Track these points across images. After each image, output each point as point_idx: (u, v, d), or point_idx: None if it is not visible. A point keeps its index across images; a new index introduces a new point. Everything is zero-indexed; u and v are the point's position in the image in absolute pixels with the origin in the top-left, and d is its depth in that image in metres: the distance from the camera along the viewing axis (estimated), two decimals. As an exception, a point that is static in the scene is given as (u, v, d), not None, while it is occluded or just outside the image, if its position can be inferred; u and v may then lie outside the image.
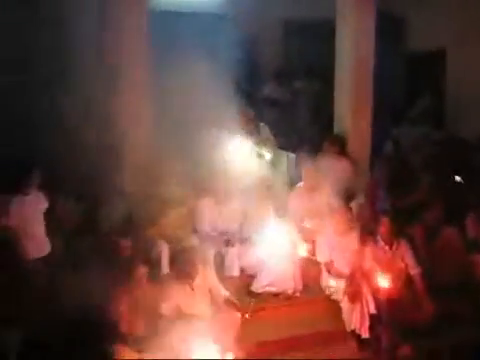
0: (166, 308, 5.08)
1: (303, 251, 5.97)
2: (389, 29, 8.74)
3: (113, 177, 5.94)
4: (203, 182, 6.30)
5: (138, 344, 4.80)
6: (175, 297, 5.17)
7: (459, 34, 9.15)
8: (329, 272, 5.93)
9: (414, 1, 9.63)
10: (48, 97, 6.07)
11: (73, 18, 6.57)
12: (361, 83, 7.61)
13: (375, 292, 5.60)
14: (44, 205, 5.37)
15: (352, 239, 5.99)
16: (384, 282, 5.48)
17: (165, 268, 5.69)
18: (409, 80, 10.34)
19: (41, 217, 5.34)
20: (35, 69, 6.54)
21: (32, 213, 5.25)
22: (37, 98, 6.23)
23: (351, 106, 7.63)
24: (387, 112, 8.84)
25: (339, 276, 5.82)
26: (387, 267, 5.74)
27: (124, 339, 4.80)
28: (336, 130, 7.72)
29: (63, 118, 5.76)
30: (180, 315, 5.11)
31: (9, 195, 5.19)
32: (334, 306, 5.86)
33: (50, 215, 5.43)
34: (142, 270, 5.03)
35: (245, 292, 5.90)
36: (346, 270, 5.84)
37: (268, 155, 6.89)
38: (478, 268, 5.97)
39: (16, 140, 5.90)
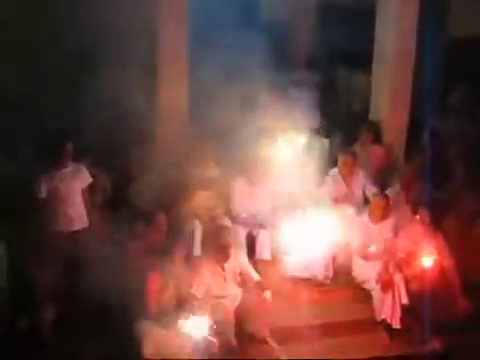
0: (197, 289, 5.05)
1: (338, 235, 5.85)
2: (430, 14, 8.47)
3: (146, 152, 5.98)
4: (237, 163, 6.22)
5: (166, 321, 4.79)
6: (206, 278, 5.14)
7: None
8: (363, 258, 5.81)
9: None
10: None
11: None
12: (401, 72, 7.42)
13: (408, 282, 5.49)
14: (86, 180, 5.38)
15: (387, 227, 5.89)
16: (428, 261, 5.34)
17: (197, 248, 5.65)
18: (450, 68, 10.05)
19: (79, 190, 5.33)
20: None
21: (71, 187, 5.26)
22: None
23: (390, 95, 7.44)
24: (426, 101, 8.61)
25: (372, 261, 5.69)
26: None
27: (154, 318, 4.79)
28: (373, 118, 7.54)
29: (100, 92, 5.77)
30: (210, 296, 5.09)
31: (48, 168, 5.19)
32: (365, 294, 5.77)
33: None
34: (181, 249, 5.00)
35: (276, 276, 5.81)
36: (379, 257, 5.72)
37: (303, 139, 6.76)
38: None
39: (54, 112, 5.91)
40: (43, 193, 5.13)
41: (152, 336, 4.66)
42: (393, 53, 7.37)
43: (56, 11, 6.37)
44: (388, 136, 7.33)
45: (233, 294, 5.23)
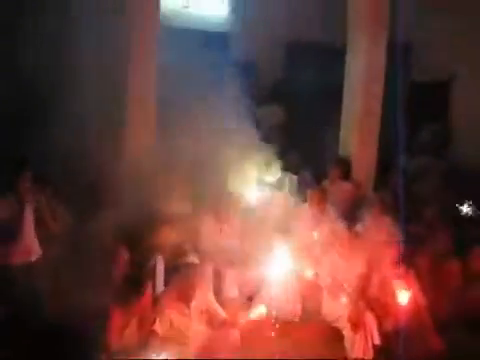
0: (159, 325, 4.78)
1: (309, 273, 5.67)
2: (395, 56, 8.65)
3: (111, 187, 5.77)
4: (204, 200, 6.04)
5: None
6: (169, 315, 4.87)
7: (466, 64, 9.09)
8: (331, 296, 5.63)
9: (420, 30, 9.57)
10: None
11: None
12: (370, 110, 7.53)
13: (381, 322, 5.32)
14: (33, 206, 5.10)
15: (357, 263, 5.73)
16: (404, 297, 5.20)
17: (160, 284, 5.38)
18: (413, 109, 10.22)
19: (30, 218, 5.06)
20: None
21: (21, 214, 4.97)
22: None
23: (359, 132, 7.53)
24: (393, 140, 8.67)
25: (341, 299, 5.53)
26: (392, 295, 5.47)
27: (114, 355, 4.49)
28: (342, 154, 7.52)
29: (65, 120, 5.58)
30: (173, 334, 4.82)
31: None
32: (337, 333, 5.56)
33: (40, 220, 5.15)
34: (150, 287, 4.74)
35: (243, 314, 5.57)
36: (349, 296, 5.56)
37: (271, 177, 6.65)
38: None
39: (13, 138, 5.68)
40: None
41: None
42: (362, 91, 7.47)
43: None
44: (357, 172, 7.28)
45: (197, 332, 4.95)
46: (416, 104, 10.05)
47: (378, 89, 7.45)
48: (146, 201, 5.82)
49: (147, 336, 4.73)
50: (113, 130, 6.18)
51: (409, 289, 5.40)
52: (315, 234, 6.02)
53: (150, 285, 4.94)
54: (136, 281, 4.90)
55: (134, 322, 4.70)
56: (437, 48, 9.48)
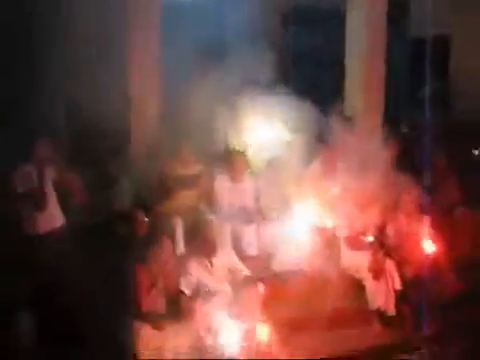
0: (186, 285, 4.84)
1: (329, 223, 5.71)
2: (393, 13, 8.58)
3: (123, 152, 5.78)
4: (219, 160, 6.06)
5: (159, 321, 4.56)
6: (194, 273, 4.93)
7: (462, 19, 9.04)
8: (349, 247, 5.68)
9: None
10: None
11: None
12: (373, 68, 7.47)
13: (400, 268, 5.40)
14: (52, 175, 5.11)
15: (374, 213, 5.78)
16: (430, 247, 5.26)
17: (180, 245, 5.43)
18: (414, 65, 10.19)
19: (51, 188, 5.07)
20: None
21: (42, 183, 4.98)
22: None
23: (363, 91, 7.48)
24: (398, 96, 8.70)
25: (361, 249, 5.57)
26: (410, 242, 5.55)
27: (144, 316, 4.55)
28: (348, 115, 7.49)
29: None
30: (200, 292, 4.88)
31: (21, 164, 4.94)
32: (357, 284, 5.64)
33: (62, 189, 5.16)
34: (167, 243, 4.77)
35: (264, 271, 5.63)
36: (368, 245, 5.61)
37: (286, 134, 6.63)
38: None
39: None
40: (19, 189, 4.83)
41: (145, 337, 4.40)
42: (365, 48, 7.45)
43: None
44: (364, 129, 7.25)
45: (224, 291, 5.01)
46: (417, 60, 10.10)
47: (381, 46, 7.40)
48: (159, 165, 5.85)
49: (174, 296, 4.76)
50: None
51: (427, 237, 5.45)
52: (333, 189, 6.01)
53: (169, 242, 4.95)
54: (156, 242, 4.93)
55: (160, 282, 4.73)
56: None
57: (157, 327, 4.53)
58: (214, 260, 5.06)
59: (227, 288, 5.04)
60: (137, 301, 4.55)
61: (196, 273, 4.95)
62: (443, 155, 6.94)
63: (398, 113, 8.28)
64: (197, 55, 6.51)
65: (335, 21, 7.90)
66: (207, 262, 5.03)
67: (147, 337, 4.43)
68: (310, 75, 8.49)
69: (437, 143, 7.22)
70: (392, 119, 7.64)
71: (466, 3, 8.75)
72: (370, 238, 5.61)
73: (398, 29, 9.38)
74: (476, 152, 7.12)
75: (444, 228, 5.85)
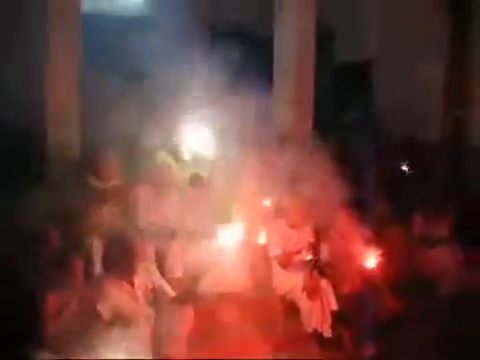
0: (103, 308, 4.26)
1: (262, 239, 5.33)
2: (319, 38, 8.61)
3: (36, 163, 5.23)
4: (141, 172, 5.59)
5: (65, 350, 3.95)
6: (112, 296, 4.36)
7: (386, 45, 9.19)
8: (282, 266, 5.32)
9: (343, 12, 9.61)
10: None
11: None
12: (303, 86, 7.49)
13: (336, 287, 5.09)
14: None
15: (307, 231, 5.47)
16: (372, 261, 5.03)
17: (98, 265, 4.85)
18: (338, 90, 10.28)
19: None
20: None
21: None
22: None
23: (293, 105, 7.44)
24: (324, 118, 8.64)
25: (294, 268, 5.23)
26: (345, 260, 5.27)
27: (49, 343, 3.94)
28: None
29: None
30: (119, 317, 4.31)
31: None
32: (290, 306, 5.27)
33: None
34: (78, 263, 4.18)
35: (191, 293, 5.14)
36: (302, 265, 5.28)
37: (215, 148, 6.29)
38: (426, 264, 5.75)
39: None
40: None
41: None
42: (294, 64, 7.46)
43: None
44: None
45: (146, 315, 4.46)
46: (340, 85, 10.21)
47: (310, 57, 7.41)
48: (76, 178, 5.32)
49: (90, 322, 4.17)
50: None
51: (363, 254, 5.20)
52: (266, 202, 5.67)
53: (82, 265, 4.36)
54: (69, 263, 4.33)
55: (72, 307, 4.13)
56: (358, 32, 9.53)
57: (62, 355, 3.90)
58: (136, 281, 4.51)
59: (151, 312, 4.49)
60: (45, 325, 3.90)
61: (115, 295, 4.36)
62: (373, 171, 6.82)
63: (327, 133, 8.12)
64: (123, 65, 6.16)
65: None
66: (127, 283, 4.47)
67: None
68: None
69: (367, 160, 7.24)
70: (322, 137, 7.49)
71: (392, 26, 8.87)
72: (308, 257, 5.26)
73: (325, 52, 9.41)
74: (404, 167, 7.03)
75: (378, 245, 5.62)
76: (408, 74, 8.67)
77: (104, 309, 4.25)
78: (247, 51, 8.63)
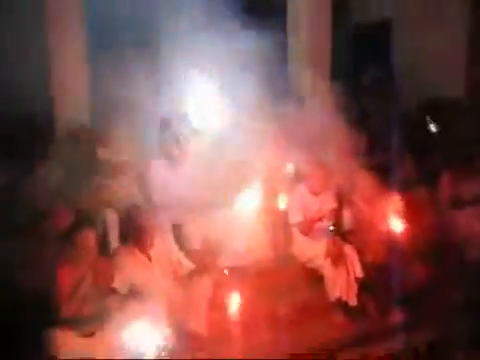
0: (119, 282, 4.13)
1: (282, 205, 5.13)
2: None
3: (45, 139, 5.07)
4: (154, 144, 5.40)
5: (85, 327, 3.83)
6: (129, 270, 4.22)
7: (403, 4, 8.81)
8: (304, 233, 5.12)
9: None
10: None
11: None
12: (319, 45, 7.32)
13: (360, 254, 4.89)
14: None
15: (328, 197, 5.25)
16: (397, 227, 4.78)
17: (115, 240, 4.71)
18: (355, 52, 9.92)
19: None
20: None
21: None
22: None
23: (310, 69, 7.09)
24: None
25: (316, 235, 5.04)
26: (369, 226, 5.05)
27: (66, 322, 3.81)
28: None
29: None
30: (135, 291, 4.18)
31: None
32: (312, 274, 5.08)
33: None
34: (90, 236, 4.02)
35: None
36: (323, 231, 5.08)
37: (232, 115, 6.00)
38: (455, 228, 5.48)
39: None
40: None
41: (68, 345, 3.66)
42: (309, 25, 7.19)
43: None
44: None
45: (163, 287, 4.32)
46: (357, 46, 9.85)
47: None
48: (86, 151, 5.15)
49: (106, 295, 4.05)
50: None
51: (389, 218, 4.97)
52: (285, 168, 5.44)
53: (94, 238, 4.19)
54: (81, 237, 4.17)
55: (87, 280, 4.00)
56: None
57: (84, 334, 3.78)
58: (152, 253, 4.36)
59: (168, 285, 4.35)
60: (58, 306, 3.77)
61: (131, 269, 4.23)
62: (396, 132, 6.54)
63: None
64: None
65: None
66: (144, 256, 4.33)
67: (72, 346, 3.67)
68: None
69: (389, 120, 6.95)
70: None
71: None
72: (330, 228, 5.05)
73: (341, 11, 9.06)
74: (432, 127, 6.71)
75: (405, 209, 5.37)
76: (429, 33, 8.30)
77: (120, 283, 4.12)
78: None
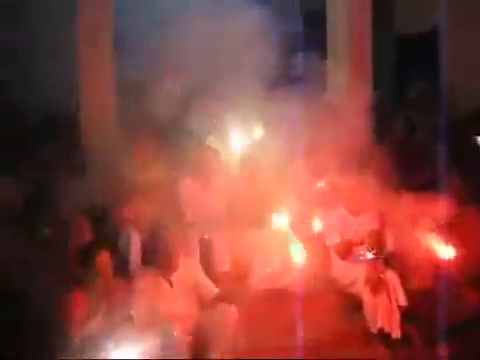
0: (137, 309, 3.85)
1: (317, 226, 4.79)
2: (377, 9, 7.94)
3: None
4: (182, 162, 5.18)
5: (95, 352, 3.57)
6: (148, 295, 3.95)
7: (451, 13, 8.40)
8: (341, 257, 4.75)
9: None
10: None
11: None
12: (360, 57, 7.14)
13: (404, 281, 4.47)
14: None
15: (369, 218, 4.86)
16: (448, 251, 4.34)
17: (135, 260, 4.47)
18: (400, 63, 9.54)
19: None
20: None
21: None
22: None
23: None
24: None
25: (355, 259, 4.66)
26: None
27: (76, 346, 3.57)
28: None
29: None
30: (155, 317, 3.89)
31: None
32: (351, 301, 4.68)
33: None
34: (105, 256, 3.78)
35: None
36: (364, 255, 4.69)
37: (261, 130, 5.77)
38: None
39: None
40: None
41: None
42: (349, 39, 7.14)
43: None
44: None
45: (185, 313, 4.03)
46: (403, 58, 9.51)
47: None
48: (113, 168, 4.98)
49: (122, 323, 3.78)
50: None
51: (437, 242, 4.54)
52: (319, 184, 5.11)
53: (110, 261, 3.96)
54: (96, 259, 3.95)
55: (103, 306, 3.75)
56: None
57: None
58: (173, 278, 4.08)
59: (191, 310, 4.06)
60: (71, 329, 3.54)
61: (150, 294, 3.95)
62: (444, 148, 6.11)
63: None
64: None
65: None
66: (165, 281, 4.05)
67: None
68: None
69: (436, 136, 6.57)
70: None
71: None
72: (368, 255, 4.67)
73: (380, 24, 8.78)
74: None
75: (453, 230, 4.93)
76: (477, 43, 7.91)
77: (138, 310, 3.85)
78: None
